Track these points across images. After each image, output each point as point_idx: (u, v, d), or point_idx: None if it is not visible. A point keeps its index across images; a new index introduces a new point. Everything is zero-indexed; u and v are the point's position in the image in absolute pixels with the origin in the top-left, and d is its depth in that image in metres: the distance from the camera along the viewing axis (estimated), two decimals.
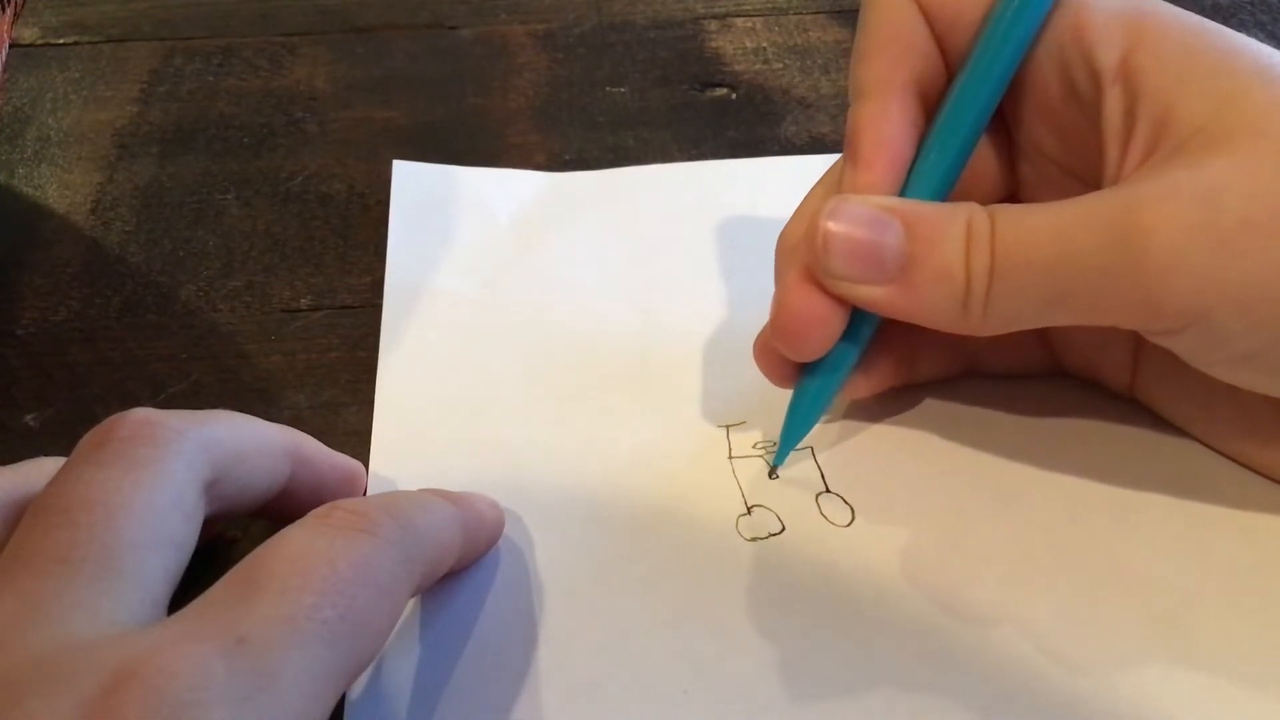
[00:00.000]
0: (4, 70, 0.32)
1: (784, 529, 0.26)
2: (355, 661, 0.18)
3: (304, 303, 0.32)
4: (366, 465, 0.27)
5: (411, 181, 0.35)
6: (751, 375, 0.29)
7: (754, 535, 0.26)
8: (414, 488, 0.26)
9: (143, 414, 0.21)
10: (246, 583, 0.18)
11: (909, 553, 0.26)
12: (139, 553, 0.19)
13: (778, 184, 0.35)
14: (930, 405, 0.29)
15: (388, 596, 0.19)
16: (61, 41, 0.42)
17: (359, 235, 0.34)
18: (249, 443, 0.23)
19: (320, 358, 0.30)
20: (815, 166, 0.35)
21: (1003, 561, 0.25)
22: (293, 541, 0.19)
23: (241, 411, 0.23)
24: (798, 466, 0.27)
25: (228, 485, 0.22)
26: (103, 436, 0.20)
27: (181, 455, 0.20)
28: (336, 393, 0.29)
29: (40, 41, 0.41)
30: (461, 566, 0.24)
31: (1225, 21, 0.43)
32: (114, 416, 0.21)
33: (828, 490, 0.27)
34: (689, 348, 0.30)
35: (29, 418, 0.29)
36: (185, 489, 0.20)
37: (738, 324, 0.31)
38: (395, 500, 0.22)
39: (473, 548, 0.24)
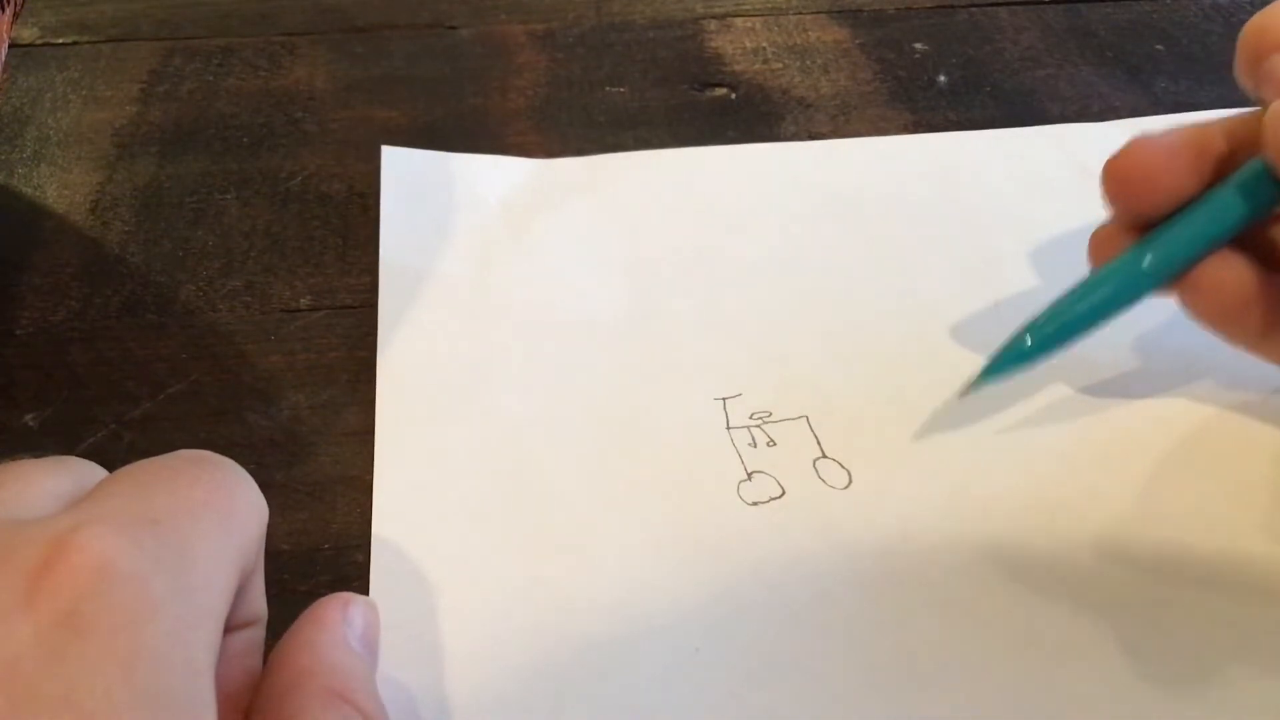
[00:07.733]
0: (4, 70, 0.32)
1: (784, 493, 0.27)
2: (248, 548, 0.19)
3: (304, 302, 0.32)
4: (370, 451, 0.27)
5: (401, 167, 0.35)
6: (744, 350, 0.30)
7: (755, 500, 0.27)
8: (417, 460, 0.27)
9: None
10: (133, 483, 0.18)
11: (906, 511, 0.26)
12: None
13: (764, 167, 0.36)
14: (919, 373, 0.29)
15: (254, 490, 0.20)
16: (61, 41, 0.42)
17: (359, 235, 0.34)
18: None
19: (320, 358, 0.30)
20: (799, 152, 0.36)
21: (998, 516, 0.26)
22: (157, 462, 0.19)
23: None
24: (794, 434, 0.28)
25: None
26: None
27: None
28: (336, 393, 0.29)
29: (40, 41, 0.41)
30: None
31: (1225, 21, 0.43)
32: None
33: (824, 455, 0.28)
34: (683, 325, 0.31)
35: (29, 418, 0.29)
36: None
37: (729, 301, 0.31)
38: None
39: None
